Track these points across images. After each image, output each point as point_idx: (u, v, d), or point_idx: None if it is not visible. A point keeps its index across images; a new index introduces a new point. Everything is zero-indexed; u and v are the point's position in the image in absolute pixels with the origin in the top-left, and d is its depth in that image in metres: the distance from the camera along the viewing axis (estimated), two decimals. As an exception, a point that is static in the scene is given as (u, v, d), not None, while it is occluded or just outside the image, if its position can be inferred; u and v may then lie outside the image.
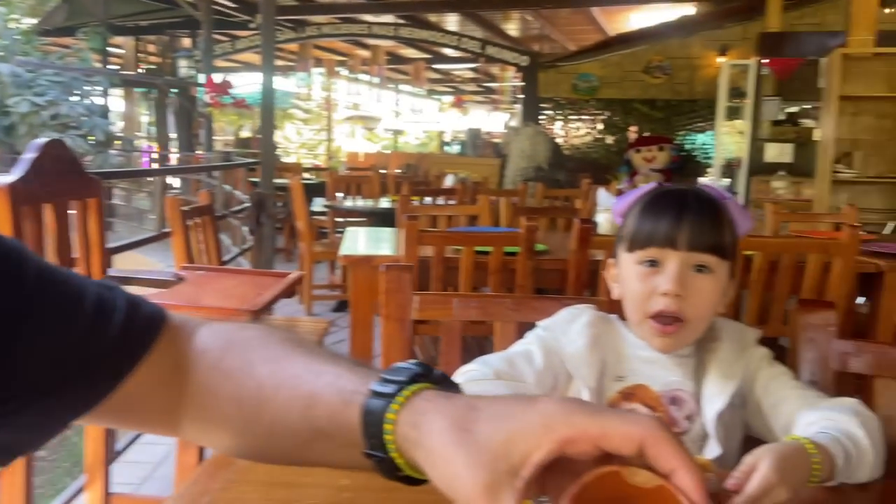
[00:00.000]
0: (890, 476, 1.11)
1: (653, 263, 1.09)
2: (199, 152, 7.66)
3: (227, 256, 3.84)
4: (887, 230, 5.64)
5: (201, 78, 6.64)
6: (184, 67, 6.93)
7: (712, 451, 1.07)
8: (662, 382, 1.13)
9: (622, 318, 1.20)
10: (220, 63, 10.71)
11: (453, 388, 0.57)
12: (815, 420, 0.96)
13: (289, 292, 2.00)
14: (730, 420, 1.12)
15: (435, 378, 0.57)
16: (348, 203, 5.72)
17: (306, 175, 8.31)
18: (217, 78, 6.49)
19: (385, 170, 7.98)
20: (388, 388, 0.54)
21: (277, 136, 14.40)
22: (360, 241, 3.19)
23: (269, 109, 3.68)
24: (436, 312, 1.50)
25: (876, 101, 5.98)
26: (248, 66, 12.07)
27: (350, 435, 0.55)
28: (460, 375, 1.08)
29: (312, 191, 6.58)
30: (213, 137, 8.64)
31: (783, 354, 2.47)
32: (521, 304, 1.45)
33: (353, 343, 2.61)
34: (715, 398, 1.09)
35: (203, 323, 0.66)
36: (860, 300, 3.18)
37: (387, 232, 3.46)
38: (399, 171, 8.76)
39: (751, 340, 1.16)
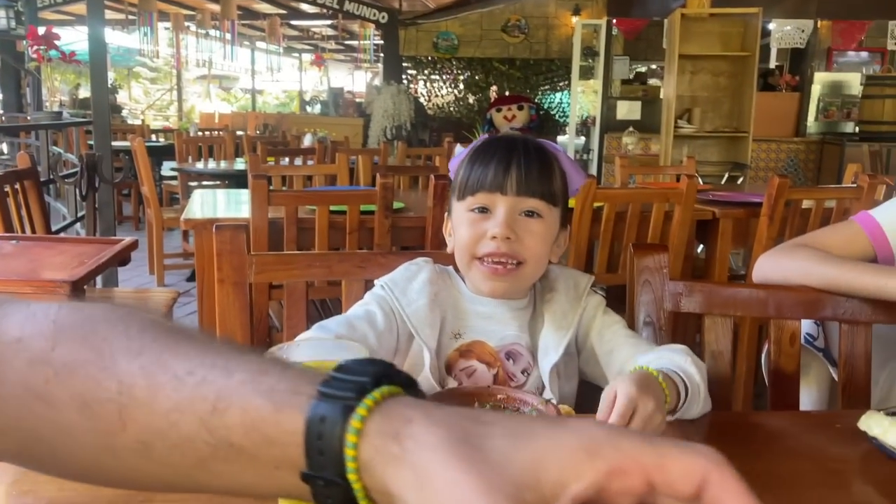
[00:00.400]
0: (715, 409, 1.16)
1: (482, 210, 1.08)
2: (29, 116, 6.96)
3: (60, 225, 3.51)
4: (724, 181, 6.07)
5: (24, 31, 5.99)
6: (2, 19, 6.21)
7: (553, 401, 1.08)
8: (499, 337, 1.13)
9: (458, 271, 1.19)
10: (48, 15, 9.75)
11: (422, 397, 0.45)
12: (653, 359, 0.99)
13: (121, 260, 1.83)
14: (564, 370, 1.14)
15: (402, 381, 0.44)
16: (200, 166, 5.41)
17: (154, 138, 7.79)
18: (41, 30, 5.88)
19: (242, 132, 7.60)
20: (344, 390, 0.41)
21: (122, 97, 13.39)
22: (210, 205, 3.00)
23: (99, 63, 3.36)
24: (276, 274, 1.41)
25: (712, 60, 6.37)
26: (83, 20, 11.04)
27: (279, 451, 0.41)
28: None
29: (162, 154, 6.18)
30: (47, 98, 7.90)
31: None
32: (367, 260, 1.39)
33: (201, 313, 2.47)
34: (550, 351, 1.11)
35: (9, 302, 0.49)
36: (700, 248, 3.40)
37: (241, 194, 3.28)
38: (257, 132, 8.40)
39: (584, 288, 1.18)
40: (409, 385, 0.44)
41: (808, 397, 1.32)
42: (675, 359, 0.99)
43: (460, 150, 1.20)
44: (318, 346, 0.95)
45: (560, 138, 9.24)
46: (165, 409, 0.43)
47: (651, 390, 0.85)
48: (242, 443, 0.42)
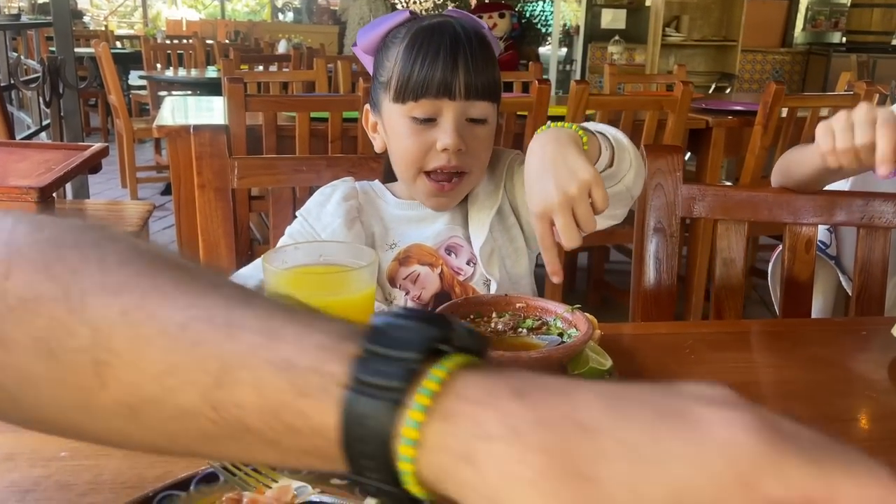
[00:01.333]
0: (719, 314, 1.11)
1: (426, 119, 0.97)
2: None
3: (24, 134, 3.34)
4: (711, 91, 5.96)
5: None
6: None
7: (495, 287, 1.03)
8: (433, 234, 1.05)
9: (384, 178, 1.12)
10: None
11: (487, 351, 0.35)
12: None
13: (91, 168, 1.72)
14: (506, 248, 1.06)
15: (461, 336, 0.33)
16: (170, 74, 5.16)
17: (120, 45, 7.41)
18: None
19: (212, 40, 7.25)
20: (387, 376, 0.31)
21: (83, 2, 12.71)
22: (182, 111, 2.85)
23: (57, -40, 3.11)
24: (261, 179, 1.32)
25: (702, -36, 6.14)
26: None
27: (308, 442, 0.33)
28: None
29: (129, 62, 5.89)
30: (3, 3, 7.46)
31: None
32: (358, 164, 1.30)
33: (179, 226, 2.37)
34: (478, 233, 1.04)
35: None
36: (686, 156, 3.33)
37: (217, 101, 3.13)
38: (227, 41, 8.03)
39: (506, 162, 1.09)
40: (470, 343, 0.34)
41: (815, 306, 1.28)
42: (597, 126, 0.91)
43: (374, 21, 1.05)
44: None
45: (542, 49, 8.97)
46: (156, 371, 0.33)
47: (560, 159, 0.78)
48: (259, 427, 0.33)
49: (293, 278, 0.64)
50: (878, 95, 2.97)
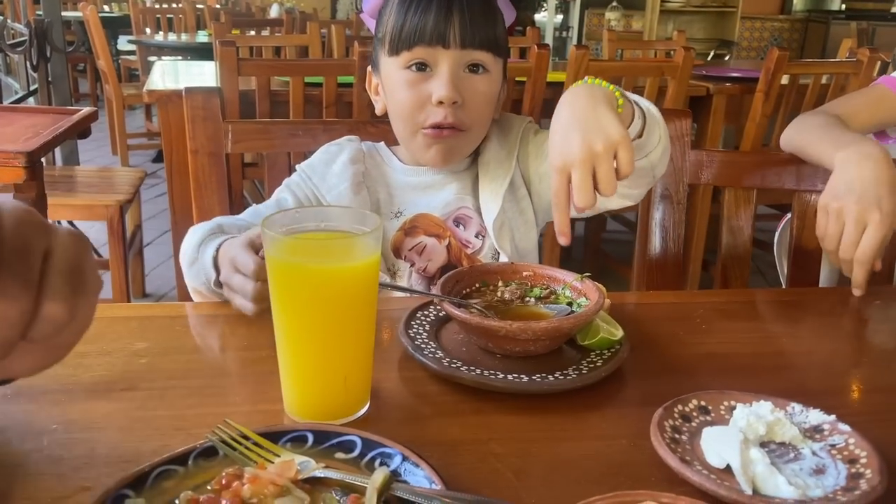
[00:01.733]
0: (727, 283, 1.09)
1: (421, 67, 0.94)
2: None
3: (11, 99, 3.26)
4: (709, 58, 5.88)
5: None
6: None
7: (504, 259, 1.00)
8: (442, 204, 1.02)
9: (388, 141, 1.09)
10: None
11: None
12: None
13: (80, 132, 1.67)
14: (516, 221, 1.03)
15: None
16: (159, 39, 5.06)
17: (107, 8, 7.25)
18: None
19: (202, 4, 7.11)
20: None
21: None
22: (173, 76, 2.79)
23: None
24: (255, 143, 1.28)
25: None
26: None
27: None
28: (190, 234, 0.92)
29: (117, 26, 5.77)
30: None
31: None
32: (356, 129, 1.26)
33: (171, 194, 2.32)
34: (490, 204, 1.00)
35: None
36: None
37: (207, 66, 3.06)
38: (218, 5, 7.87)
39: (518, 131, 1.06)
40: None
41: (822, 275, 1.26)
42: (629, 95, 0.86)
43: None
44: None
45: (537, 16, 8.83)
46: None
47: (593, 117, 0.74)
48: None
49: (294, 244, 0.61)
50: (879, 63, 2.92)
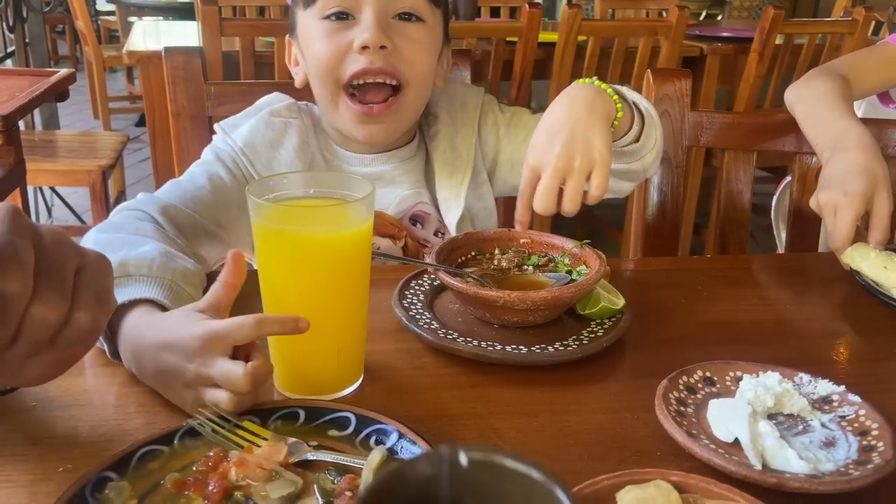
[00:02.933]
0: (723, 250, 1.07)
1: (341, 15, 0.81)
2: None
3: (-14, 63, 3.17)
4: (702, 18, 5.80)
5: None
6: None
7: None
8: (397, 200, 0.91)
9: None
10: None
11: None
12: None
13: (58, 95, 1.61)
14: (476, 210, 0.95)
15: None
16: (139, -2, 4.91)
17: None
18: None
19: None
20: None
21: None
22: (155, 36, 2.71)
23: None
24: (239, 106, 1.22)
25: None
26: None
27: None
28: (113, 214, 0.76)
29: (94, -14, 5.61)
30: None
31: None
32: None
33: (154, 158, 2.27)
34: (451, 203, 0.91)
35: None
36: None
37: (189, 26, 2.98)
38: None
39: (475, 110, 0.95)
40: None
41: (821, 240, 1.24)
42: (626, 92, 0.83)
43: None
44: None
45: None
46: None
47: (585, 120, 0.72)
48: None
49: (284, 211, 0.58)
50: (874, 22, 2.88)
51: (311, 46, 0.84)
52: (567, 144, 0.71)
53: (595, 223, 3.26)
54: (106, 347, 0.62)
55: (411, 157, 0.94)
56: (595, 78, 0.78)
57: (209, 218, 0.80)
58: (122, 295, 0.60)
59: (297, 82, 0.91)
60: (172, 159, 2.26)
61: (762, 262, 0.98)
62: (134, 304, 0.60)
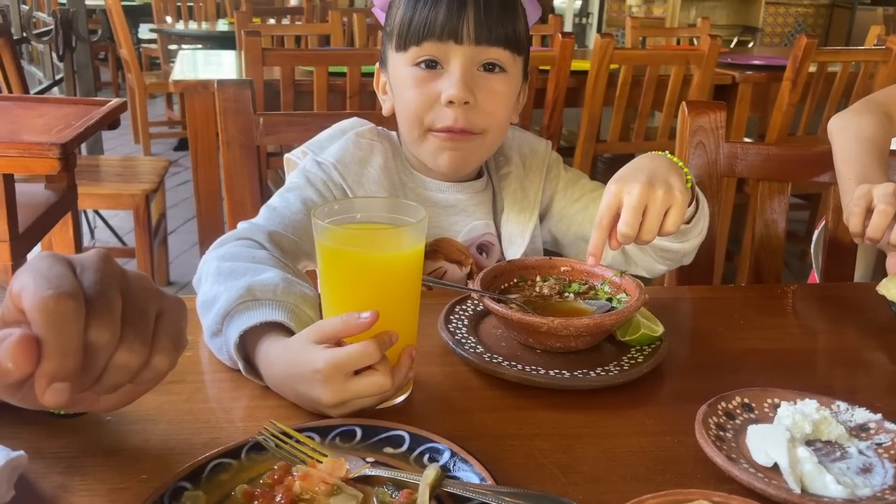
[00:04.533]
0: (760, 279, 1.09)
1: (431, 64, 0.87)
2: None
3: (37, 88, 3.29)
4: (733, 45, 5.81)
5: None
6: None
7: None
8: (466, 230, 0.97)
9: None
10: None
11: None
12: None
13: (110, 123, 1.69)
14: (530, 249, 0.99)
15: None
16: (180, 27, 5.08)
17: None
18: None
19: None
20: None
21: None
22: (196, 65, 2.80)
23: None
24: (286, 135, 1.29)
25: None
26: None
27: None
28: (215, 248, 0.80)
29: (138, 15, 5.80)
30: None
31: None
32: (387, 120, 1.27)
33: (196, 182, 2.34)
34: (515, 239, 0.97)
35: None
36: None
37: (228, 55, 3.08)
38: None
39: (545, 158, 1.02)
40: None
41: (857, 272, 1.25)
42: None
43: None
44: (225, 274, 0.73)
45: (556, 2, 8.76)
46: None
47: (664, 169, 0.77)
48: None
49: (343, 233, 0.64)
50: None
51: (401, 91, 0.90)
52: (650, 178, 0.75)
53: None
54: (241, 366, 0.67)
55: (483, 191, 0.99)
56: (666, 152, 0.83)
57: (307, 240, 0.84)
58: (251, 318, 0.66)
59: (385, 110, 0.98)
60: (215, 184, 2.33)
61: (797, 291, 1.00)
62: (263, 327, 0.66)
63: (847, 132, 1.06)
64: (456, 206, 0.96)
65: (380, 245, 0.63)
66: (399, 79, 0.90)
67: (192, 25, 5.17)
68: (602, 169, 2.98)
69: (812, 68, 2.62)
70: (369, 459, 0.55)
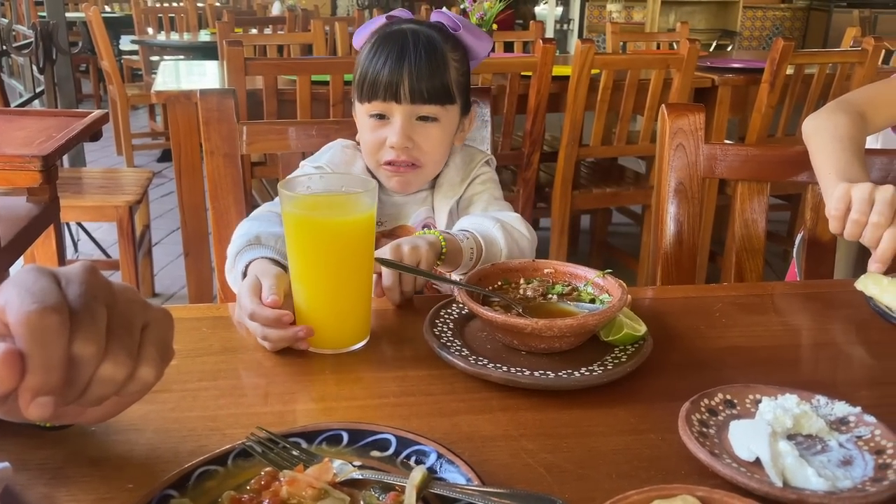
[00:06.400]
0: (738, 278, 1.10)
1: (380, 116, 1.08)
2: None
3: (18, 101, 3.27)
4: (712, 48, 5.88)
5: None
6: None
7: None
8: (414, 215, 1.16)
9: None
10: None
11: None
12: (466, 225, 1.05)
13: (92, 135, 1.68)
14: (450, 223, 1.15)
15: None
16: (162, 38, 5.06)
17: (108, 9, 7.25)
18: None
19: (203, 2, 7.10)
20: None
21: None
22: (178, 76, 2.80)
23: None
24: (270, 144, 1.29)
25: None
26: None
27: None
28: (235, 242, 1.00)
29: (119, 26, 5.78)
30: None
31: (622, 174, 2.45)
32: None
33: (180, 193, 2.33)
34: (441, 216, 1.15)
35: None
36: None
37: (210, 66, 3.07)
38: (218, 3, 7.87)
39: (477, 162, 1.18)
40: None
41: (837, 269, 1.27)
42: (484, 224, 1.03)
43: (368, 22, 1.15)
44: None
45: (537, 8, 8.81)
46: None
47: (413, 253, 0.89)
48: None
49: (302, 200, 0.76)
50: (884, 51, 2.92)
51: (362, 132, 1.13)
52: None
53: (609, 251, 3.29)
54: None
55: (426, 192, 1.19)
56: (439, 231, 0.99)
57: None
58: (253, 253, 0.92)
59: (357, 137, 1.17)
60: (199, 194, 2.31)
61: (778, 289, 1.01)
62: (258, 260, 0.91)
63: (824, 132, 1.07)
64: (407, 203, 1.18)
65: (335, 210, 0.76)
66: (361, 122, 1.13)
67: (174, 36, 5.16)
68: (585, 173, 3.00)
69: (790, 70, 2.66)
70: (356, 463, 0.56)
